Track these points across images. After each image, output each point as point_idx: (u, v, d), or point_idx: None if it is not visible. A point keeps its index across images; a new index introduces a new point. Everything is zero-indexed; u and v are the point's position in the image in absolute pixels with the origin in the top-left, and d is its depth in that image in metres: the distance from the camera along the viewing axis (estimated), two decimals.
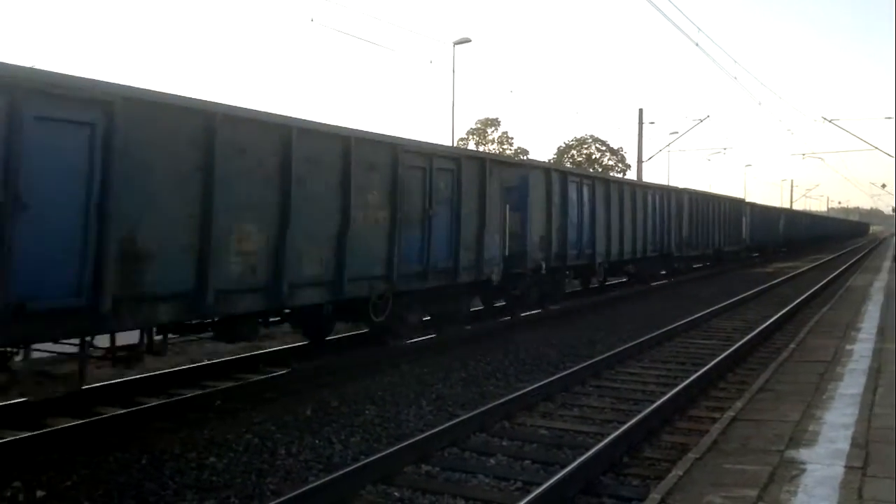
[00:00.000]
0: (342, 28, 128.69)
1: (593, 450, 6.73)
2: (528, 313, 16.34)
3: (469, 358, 11.80)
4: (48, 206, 6.32)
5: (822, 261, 42.38)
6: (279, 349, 11.88)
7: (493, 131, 64.63)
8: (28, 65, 6.33)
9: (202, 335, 9.57)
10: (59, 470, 6.51)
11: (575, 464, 6.35)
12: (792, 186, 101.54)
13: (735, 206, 36.04)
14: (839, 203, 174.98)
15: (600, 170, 59.36)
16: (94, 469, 6.59)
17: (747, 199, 42.66)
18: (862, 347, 11.23)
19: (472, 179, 12.67)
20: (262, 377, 10.00)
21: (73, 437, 7.25)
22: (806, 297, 20.79)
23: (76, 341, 7.11)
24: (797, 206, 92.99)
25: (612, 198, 19.92)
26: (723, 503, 4.91)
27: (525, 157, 53.55)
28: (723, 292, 22.51)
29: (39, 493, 6.02)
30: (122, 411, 8.18)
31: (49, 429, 7.42)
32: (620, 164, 65.46)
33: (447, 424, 7.67)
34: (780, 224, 49.45)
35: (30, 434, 7.17)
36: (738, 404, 7.69)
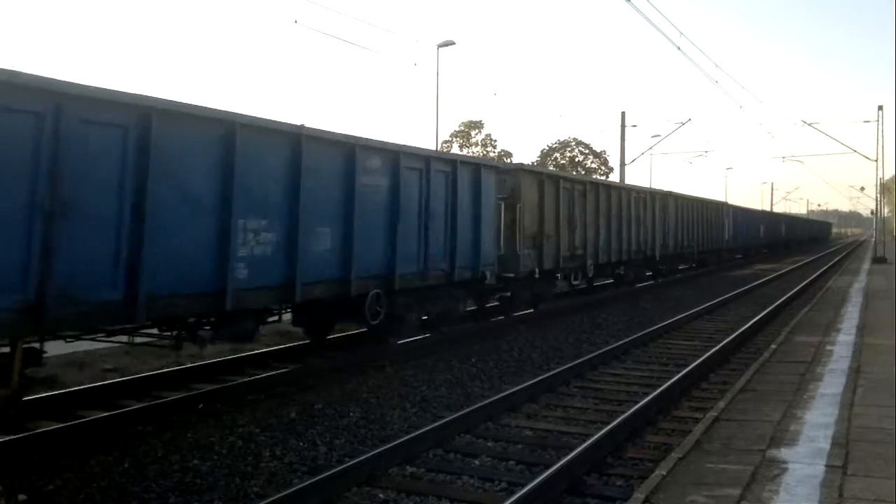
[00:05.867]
0: (326, 30, 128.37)
1: (577, 450, 6.76)
2: None
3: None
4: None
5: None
6: (262, 351, 11.83)
7: (476, 133, 64.83)
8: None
9: None
10: (41, 473, 6.46)
11: (559, 464, 6.38)
12: (772, 189, 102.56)
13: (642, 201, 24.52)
14: (819, 206, 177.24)
15: (584, 172, 59.58)
16: (76, 472, 6.55)
17: (722, 199, 32.02)
18: (841, 348, 11.36)
19: None
20: (246, 379, 9.96)
21: (55, 441, 7.20)
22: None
23: None
24: (777, 209, 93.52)
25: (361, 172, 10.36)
26: (706, 502, 4.96)
27: (509, 160, 53.57)
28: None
29: (21, 497, 5.97)
30: (105, 414, 8.12)
31: (31, 432, 7.35)
32: (603, 167, 65.84)
33: (432, 426, 7.69)
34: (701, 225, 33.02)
35: (11, 437, 7.10)
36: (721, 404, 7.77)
